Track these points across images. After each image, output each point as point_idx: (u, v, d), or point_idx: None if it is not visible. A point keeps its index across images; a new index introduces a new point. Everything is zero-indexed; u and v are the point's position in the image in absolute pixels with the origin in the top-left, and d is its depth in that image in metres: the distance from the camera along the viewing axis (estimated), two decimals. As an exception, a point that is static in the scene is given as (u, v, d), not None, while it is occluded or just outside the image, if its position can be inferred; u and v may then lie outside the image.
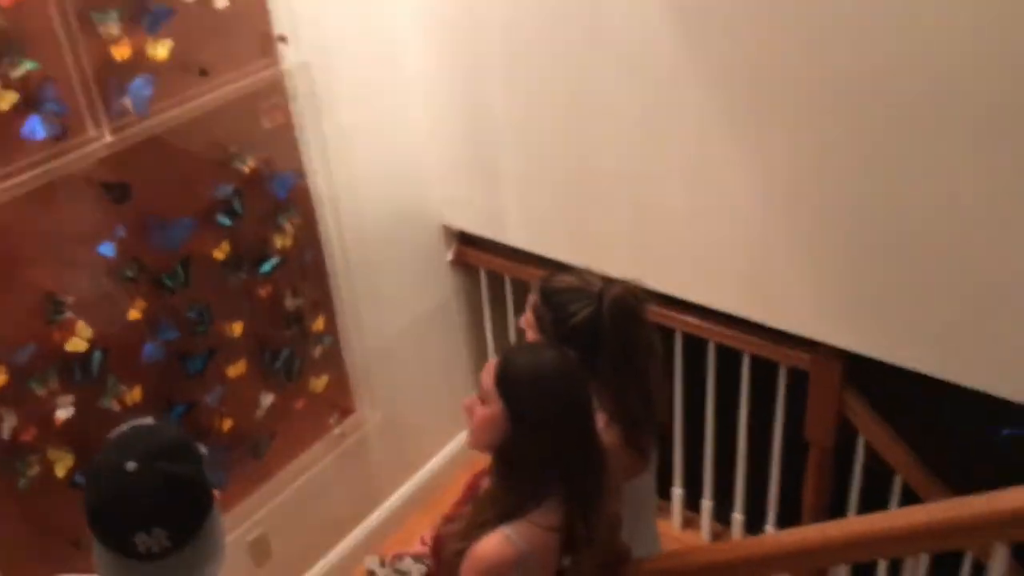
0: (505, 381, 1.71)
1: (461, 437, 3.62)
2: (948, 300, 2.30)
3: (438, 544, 1.91)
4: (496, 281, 3.42)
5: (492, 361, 1.77)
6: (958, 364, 2.33)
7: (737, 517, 3.19)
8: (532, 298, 1.97)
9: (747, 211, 2.55)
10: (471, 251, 3.37)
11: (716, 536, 3.32)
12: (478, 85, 2.93)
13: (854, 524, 1.95)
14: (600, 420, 1.87)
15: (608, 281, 1.92)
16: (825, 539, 1.84)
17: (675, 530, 3.35)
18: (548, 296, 1.92)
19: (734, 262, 2.66)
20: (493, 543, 1.71)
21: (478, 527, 1.76)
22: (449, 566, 1.81)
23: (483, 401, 1.74)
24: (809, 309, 2.59)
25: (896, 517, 1.76)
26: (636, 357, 1.91)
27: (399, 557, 2.09)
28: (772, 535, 2.90)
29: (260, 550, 3.03)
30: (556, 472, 1.72)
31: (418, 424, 3.49)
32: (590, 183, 2.85)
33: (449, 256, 3.39)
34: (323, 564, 3.27)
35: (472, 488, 1.97)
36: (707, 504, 3.27)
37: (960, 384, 2.35)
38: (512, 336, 3.48)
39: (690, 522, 3.37)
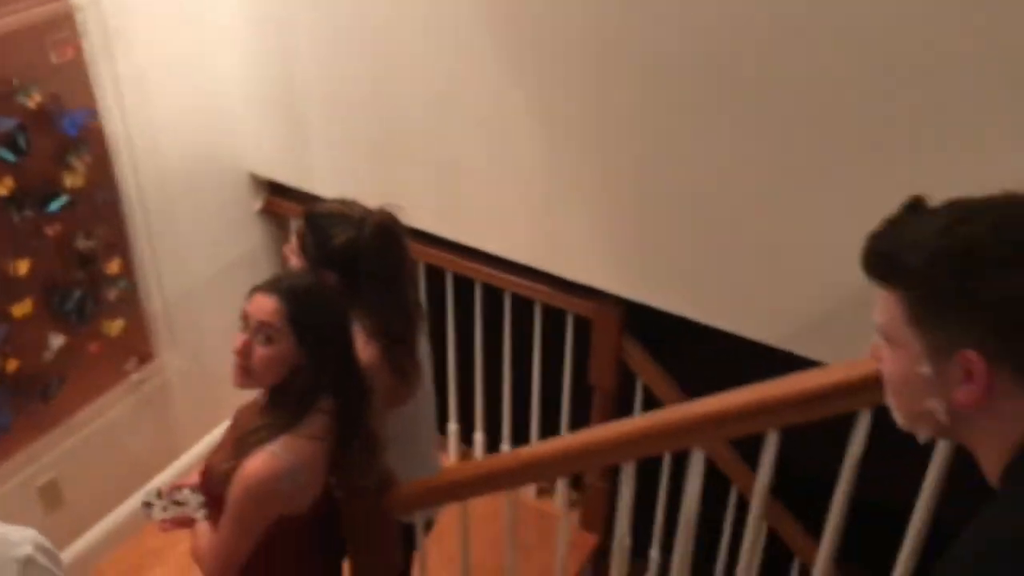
0: (298, 314, 1.75)
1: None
2: (707, 252, 2.49)
3: (208, 472, 1.95)
4: (305, 231, 3.44)
5: (261, 299, 1.77)
6: (712, 308, 2.54)
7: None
8: (296, 224, 2.04)
9: (535, 166, 2.68)
10: (281, 201, 3.39)
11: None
12: (286, 34, 2.95)
13: (573, 438, 2.10)
14: (359, 339, 1.97)
15: (369, 209, 2.01)
16: (550, 452, 2.00)
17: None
18: (311, 221, 2.01)
19: (525, 214, 2.79)
20: (259, 460, 1.77)
21: (245, 447, 1.82)
22: (218, 490, 1.86)
23: (269, 340, 1.76)
24: (591, 259, 2.75)
25: (608, 429, 1.94)
26: (395, 280, 2.03)
27: (177, 488, 2.12)
28: (509, 453, 3.06)
29: (51, 496, 2.99)
30: (324, 390, 1.81)
31: (225, 374, 3.48)
32: (395, 136, 2.92)
33: (257, 205, 3.40)
34: (122, 511, 3.24)
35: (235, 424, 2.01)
36: (505, 447, 3.42)
37: (716, 326, 2.56)
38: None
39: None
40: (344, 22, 2.82)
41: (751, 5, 2.14)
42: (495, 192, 2.82)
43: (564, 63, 2.50)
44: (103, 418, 3.04)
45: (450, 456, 3.54)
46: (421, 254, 3.16)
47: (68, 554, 3.09)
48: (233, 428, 2.00)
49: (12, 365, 2.70)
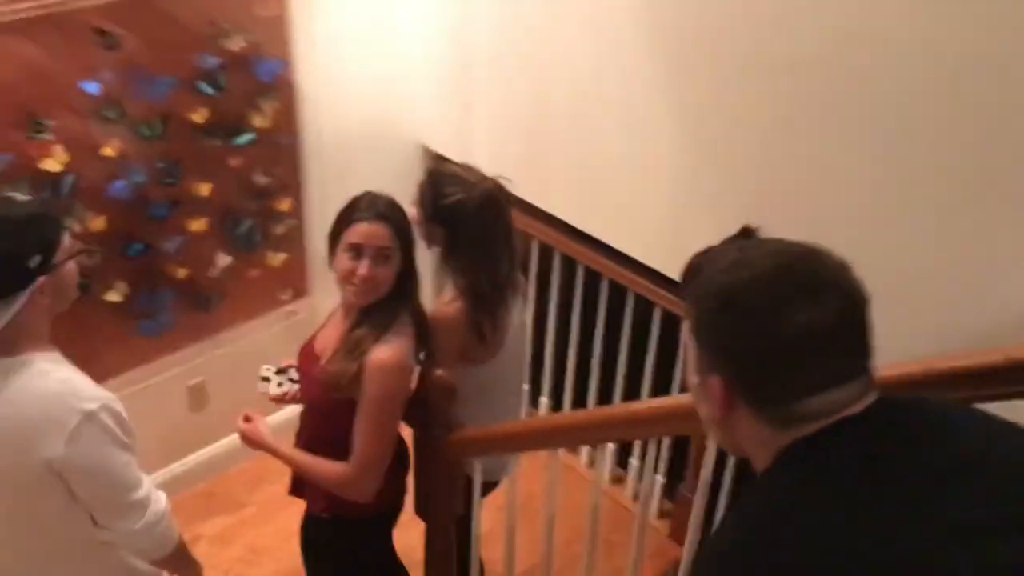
0: (401, 232, 2.05)
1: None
2: None
3: (330, 378, 2.10)
4: (463, 206, 3.67)
5: (370, 228, 2.01)
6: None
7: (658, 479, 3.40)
8: (420, 179, 2.25)
9: (670, 173, 2.76)
10: (446, 174, 3.62)
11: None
12: (465, 19, 3.18)
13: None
14: (449, 294, 2.17)
15: (484, 177, 2.19)
16: (589, 419, 2.08)
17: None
18: (432, 177, 2.25)
19: (655, 218, 2.87)
20: (385, 351, 2.03)
21: (360, 350, 2.05)
22: (346, 391, 2.07)
23: (385, 261, 2.02)
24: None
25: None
26: (492, 245, 2.21)
27: (291, 367, 2.38)
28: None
29: (198, 397, 3.37)
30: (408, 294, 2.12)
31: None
32: (546, 124, 3.08)
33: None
34: (256, 427, 3.57)
35: (307, 355, 2.24)
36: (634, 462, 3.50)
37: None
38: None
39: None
40: (514, 14, 3.01)
41: (893, 18, 2.13)
42: (629, 193, 2.92)
43: (712, 78, 2.57)
44: (254, 338, 3.38)
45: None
46: (556, 241, 3.31)
47: (201, 454, 3.47)
48: (305, 358, 2.23)
49: (182, 273, 3.07)
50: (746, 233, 1.15)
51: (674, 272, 2.86)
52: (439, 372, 2.15)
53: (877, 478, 1.00)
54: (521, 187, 3.22)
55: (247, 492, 3.49)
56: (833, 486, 1.01)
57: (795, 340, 1.01)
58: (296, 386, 2.33)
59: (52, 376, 1.72)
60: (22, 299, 1.67)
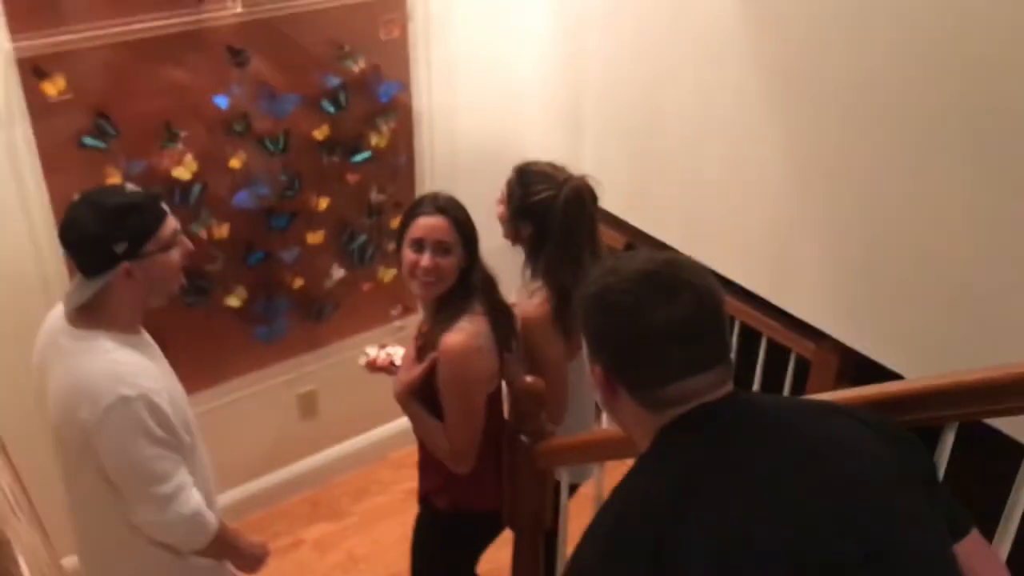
0: (460, 224, 2.15)
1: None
2: (944, 316, 2.40)
3: (410, 382, 2.24)
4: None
5: (431, 221, 2.11)
6: (931, 371, 2.43)
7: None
8: (510, 175, 2.32)
9: (777, 199, 2.73)
10: (556, 199, 3.68)
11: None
12: (579, 46, 3.24)
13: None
14: (539, 294, 2.21)
15: (572, 176, 2.30)
16: None
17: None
18: (521, 175, 2.34)
19: (760, 244, 2.84)
20: (451, 337, 2.12)
21: (431, 341, 2.17)
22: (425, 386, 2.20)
23: (447, 252, 2.12)
24: (818, 300, 2.74)
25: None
26: (577, 243, 2.27)
27: (392, 345, 2.51)
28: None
29: (308, 405, 3.48)
30: (475, 284, 2.20)
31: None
32: (653, 150, 3.10)
33: (536, 199, 3.71)
34: (360, 440, 3.67)
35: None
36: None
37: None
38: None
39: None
40: (625, 40, 3.06)
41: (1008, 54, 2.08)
42: (734, 218, 2.90)
43: (819, 102, 2.54)
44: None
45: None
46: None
47: (308, 462, 3.58)
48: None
49: (298, 283, 3.21)
50: (629, 247, 1.28)
51: (779, 299, 2.84)
52: (529, 378, 2.18)
53: (726, 459, 1.17)
54: (629, 211, 3.28)
55: (351, 502, 3.58)
56: (684, 464, 1.18)
57: (654, 332, 1.17)
58: (387, 353, 2.47)
59: (109, 356, 1.83)
60: (106, 278, 1.80)
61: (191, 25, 2.66)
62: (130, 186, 1.93)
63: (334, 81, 3.00)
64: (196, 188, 2.85)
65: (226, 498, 3.38)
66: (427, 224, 2.11)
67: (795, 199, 2.69)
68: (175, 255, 1.90)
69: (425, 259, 2.10)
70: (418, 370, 2.20)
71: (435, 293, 2.15)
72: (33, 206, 2.59)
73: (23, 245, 2.60)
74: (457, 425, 2.19)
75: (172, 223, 1.91)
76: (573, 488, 2.48)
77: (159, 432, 1.83)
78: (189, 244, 1.97)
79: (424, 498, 2.50)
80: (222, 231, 2.95)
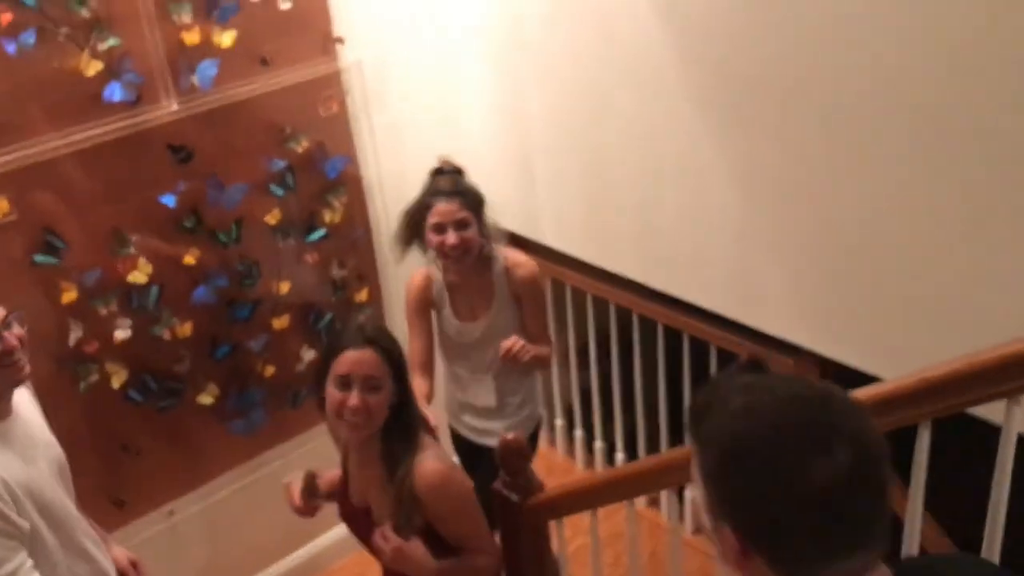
0: (390, 357, 1.96)
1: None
2: (912, 312, 2.40)
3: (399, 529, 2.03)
4: (538, 280, 3.71)
5: (359, 355, 1.93)
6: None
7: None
8: (449, 203, 2.55)
9: (734, 218, 2.74)
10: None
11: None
12: (520, 95, 3.27)
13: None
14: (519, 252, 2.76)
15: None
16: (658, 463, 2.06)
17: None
18: (457, 183, 2.64)
19: (723, 266, 2.84)
20: (429, 467, 1.96)
21: (402, 480, 1.98)
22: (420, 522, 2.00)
23: (376, 389, 1.93)
24: (789, 313, 2.73)
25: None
26: None
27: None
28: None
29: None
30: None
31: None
32: (605, 189, 3.11)
33: (497, 253, 3.70)
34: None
35: (356, 518, 2.16)
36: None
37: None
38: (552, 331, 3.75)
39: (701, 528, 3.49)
40: (565, 84, 3.08)
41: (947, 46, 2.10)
42: (693, 242, 2.90)
43: (764, 121, 2.55)
44: (345, 430, 3.43)
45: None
46: (635, 305, 3.30)
47: (306, 550, 3.50)
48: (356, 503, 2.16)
49: (269, 371, 3.17)
50: (753, 365, 1.08)
51: (748, 318, 2.82)
52: (510, 435, 2.15)
53: None
54: (589, 251, 3.28)
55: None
56: None
57: (807, 500, 0.95)
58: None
59: None
60: None
61: (128, 129, 2.66)
62: None
63: (280, 164, 2.99)
64: (153, 290, 2.82)
65: (224, 601, 3.32)
66: (354, 358, 1.91)
67: (749, 215, 2.70)
68: None
69: (353, 398, 1.90)
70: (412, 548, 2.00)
71: (364, 435, 1.97)
72: (-11, 331, 2.55)
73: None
74: (479, 536, 2.07)
75: None
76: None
77: None
78: (11, 340, 1.87)
79: None
80: (185, 329, 2.92)
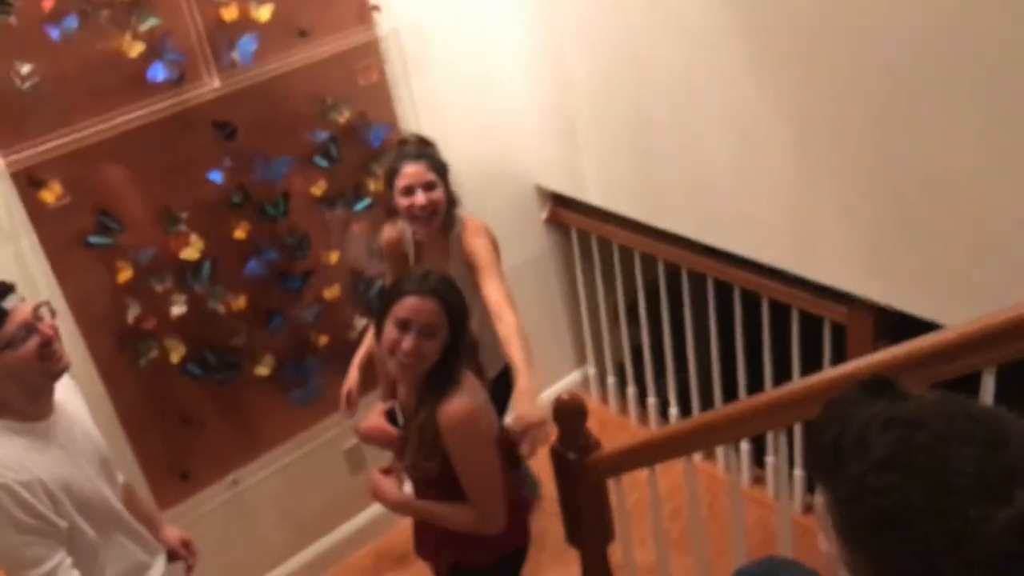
0: (450, 308, 2.02)
1: (552, 389, 3.92)
2: (972, 255, 2.35)
3: (417, 466, 2.13)
4: (585, 239, 3.70)
5: (419, 303, 1.99)
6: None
7: (796, 472, 3.29)
8: (416, 166, 2.64)
9: (785, 165, 2.69)
10: (563, 211, 3.67)
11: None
12: (560, 54, 3.24)
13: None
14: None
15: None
16: (715, 418, 2.05)
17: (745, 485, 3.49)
18: (425, 155, 2.68)
19: (776, 217, 2.80)
20: (452, 406, 2.01)
21: (431, 443, 2.05)
22: (436, 465, 2.07)
23: (431, 336, 2.00)
24: (844, 263, 2.70)
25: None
26: None
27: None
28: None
29: (355, 460, 3.48)
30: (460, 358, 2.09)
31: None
32: (652, 145, 3.08)
33: (543, 215, 3.70)
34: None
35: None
36: (770, 460, 3.39)
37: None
38: (600, 289, 3.76)
39: (758, 479, 3.50)
40: (606, 40, 3.05)
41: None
42: (745, 195, 2.87)
43: (812, 65, 2.50)
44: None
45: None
46: (684, 260, 3.28)
47: (365, 515, 3.56)
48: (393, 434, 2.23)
49: (323, 340, 3.21)
50: (882, 385, 0.90)
51: (803, 269, 2.79)
52: (564, 396, 2.16)
53: None
54: (639, 209, 3.26)
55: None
56: None
57: (987, 561, 0.79)
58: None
59: None
60: None
61: (174, 108, 2.68)
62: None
63: (323, 136, 3.01)
64: (206, 265, 2.86)
65: (289, 565, 3.40)
66: (414, 305, 1.98)
67: (803, 163, 2.66)
68: (28, 347, 1.86)
69: (408, 341, 1.98)
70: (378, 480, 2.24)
71: (413, 375, 2.05)
72: (51, 313, 2.61)
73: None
74: (484, 487, 2.08)
75: (17, 319, 1.86)
76: None
77: (26, 518, 1.83)
78: (46, 331, 1.90)
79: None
80: (239, 303, 2.96)
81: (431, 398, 2.03)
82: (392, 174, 2.63)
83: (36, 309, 1.90)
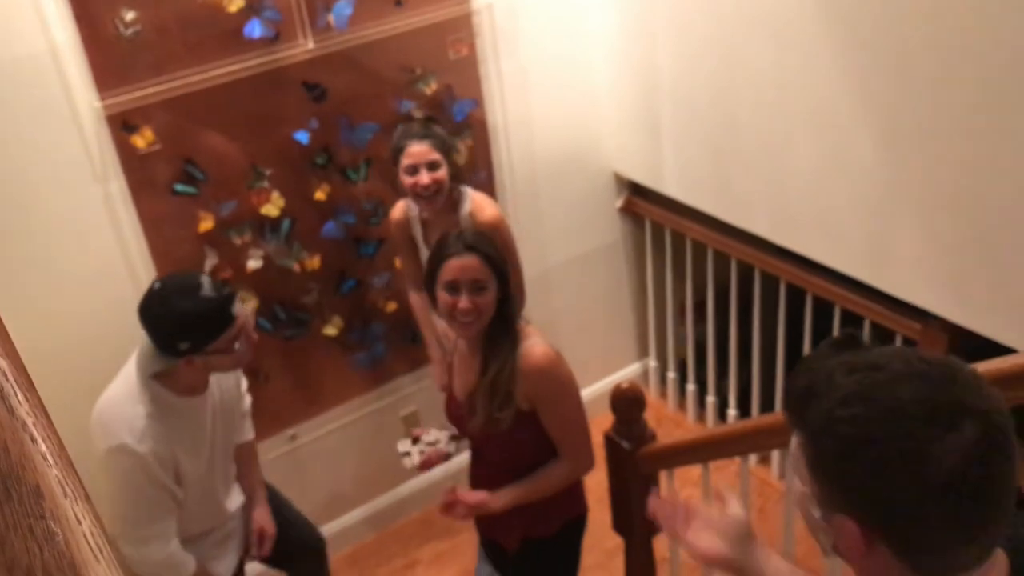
0: (491, 259, 2.06)
1: (612, 378, 3.91)
2: None
3: (486, 430, 2.17)
4: (658, 231, 3.68)
5: (462, 262, 2.04)
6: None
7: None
8: (422, 145, 2.66)
9: (868, 175, 2.64)
10: (639, 201, 3.65)
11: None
12: (649, 45, 3.21)
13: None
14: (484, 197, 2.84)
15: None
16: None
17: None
18: (428, 129, 2.71)
19: (856, 226, 2.76)
20: (536, 352, 2.08)
21: (504, 392, 2.09)
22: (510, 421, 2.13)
23: (482, 290, 2.05)
24: (921, 278, 2.64)
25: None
26: None
27: (424, 431, 2.48)
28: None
29: (412, 425, 3.51)
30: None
31: (571, 352, 3.78)
32: (734, 142, 3.04)
33: (619, 203, 3.69)
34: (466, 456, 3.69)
35: (455, 409, 2.29)
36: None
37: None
38: (669, 282, 3.73)
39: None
40: (697, 33, 3.02)
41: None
42: (824, 201, 2.82)
43: (902, 71, 2.45)
44: (460, 369, 3.50)
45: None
46: (757, 260, 3.24)
47: (417, 481, 3.61)
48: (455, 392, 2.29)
49: (391, 307, 3.25)
50: (849, 340, 1.02)
51: (878, 281, 2.74)
52: (625, 384, 2.16)
53: None
54: (716, 206, 3.23)
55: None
56: None
57: (941, 486, 0.90)
58: (436, 447, 2.45)
59: (124, 407, 2.08)
60: (171, 361, 2.07)
61: (266, 66, 2.73)
62: (207, 284, 2.07)
63: (408, 105, 3.04)
64: (285, 223, 2.92)
65: (338, 524, 3.46)
66: (458, 265, 2.05)
67: (887, 174, 2.60)
68: (238, 350, 2.10)
69: (463, 301, 2.04)
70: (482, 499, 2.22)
71: (476, 330, 2.10)
72: (133, 255, 2.70)
73: (125, 291, 2.69)
74: (576, 429, 2.14)
75: (238, 324, 2.08)
76: None
77: (142, 480, 2.06)
78: (254, 336, 2.15)
79: (495, 544, 2.45)
80: (314, 263, 3.01)
81: (502, 351, 2.08)
82: (397, 152, 2.65)
83: (252, 314, 2.19)
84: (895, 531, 0.94)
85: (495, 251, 2.10)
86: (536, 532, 2.28)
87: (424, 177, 2.61)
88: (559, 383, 2.11)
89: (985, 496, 0.91)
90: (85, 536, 0.41)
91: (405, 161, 2.63)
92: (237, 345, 2.09)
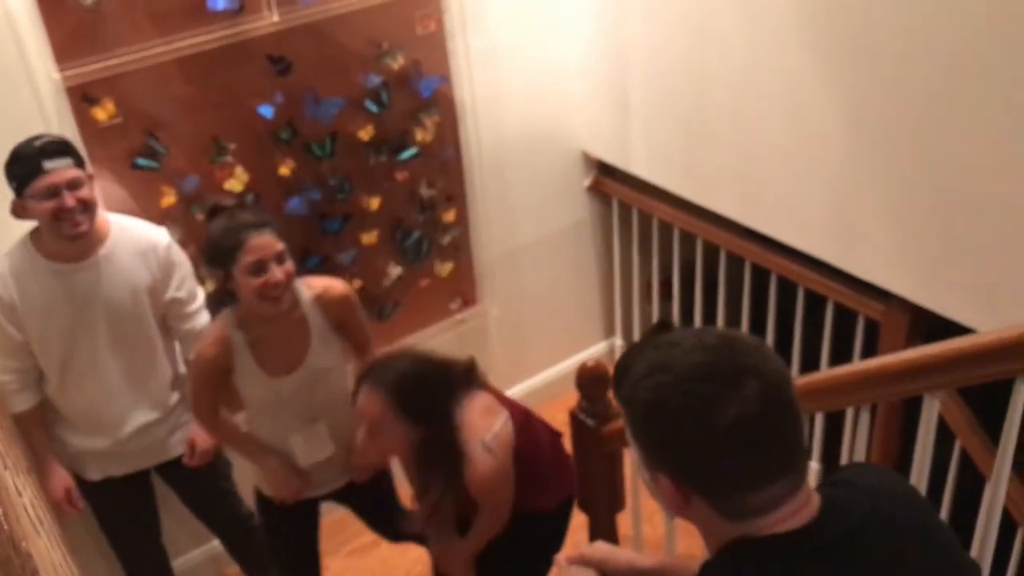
0: (406, 406, 2.14)
1: (578, 357, 3.92)
2: (1015, 265, 2.31)
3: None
4: (626, 210, 3.68)
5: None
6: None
7: (813, 465, 3.28)
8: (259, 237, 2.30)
9: (835, 157, 2.66)
10: (607, 180, 3.65)
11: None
12: (620, 24, 3.20)
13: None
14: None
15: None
16: None
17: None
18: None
19: (822, 207, 2.77)
20: (479, 466, 2.16)
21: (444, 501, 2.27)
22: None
23: (374, 433, 2.16)
24: (885, 259, 2.67)
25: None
26: None
27: None
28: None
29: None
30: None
31: (538, 332, 3.82)
32: (702, 123, 3.05)
33: (586, 182, 3.68)
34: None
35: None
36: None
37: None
38: (636, 262, 3.74)
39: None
40: (668, 13, 3.01)
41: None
42: (791, 182, 2.83)
43: (870, 54, 2.46)
44: (429, 346, 3.48)
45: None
46: (723, 241, 3.26)
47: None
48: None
49: (356, 284, 3.23)
50: (662, 326, 1.21)
51: (842, 262, 2.76)
52: (590, 362, 2.16)
53: None
54: (683, 185, 3.24)
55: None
56: None
57: (725, 435, 1.03)
58: None
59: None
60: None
61: (230, 38, 2.69)
62: (48, 136, 2.25)
63: (375, 80, 3.00)
64: (249, 199, 2.89)
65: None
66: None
67: (853, 157, 2.62)
68: (46, 206, 2.21)
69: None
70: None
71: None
72: (93, 230, 2.65)
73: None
74: (505, 504, 2.28)
75: (47, 181, 2.18)
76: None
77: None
78: (68, 202, 2.21)
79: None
80: (278, 239, 2.98)
81: (442, 478, 2.22)
82: (232, 252, 2.15)
83: (74, 179, 2.22)
84: (699, 481, 1.07)
85: (420, 401, 2.17)
86: (537, 505, 2.32)
87: (276, 273, 2.15)
88: (503, 487, 2.22)
89: (769, 442, 1.04)
90: (25, 508, 0.40)
91: (247, 259, 2.13)
92: (46, 204, 2.20)
